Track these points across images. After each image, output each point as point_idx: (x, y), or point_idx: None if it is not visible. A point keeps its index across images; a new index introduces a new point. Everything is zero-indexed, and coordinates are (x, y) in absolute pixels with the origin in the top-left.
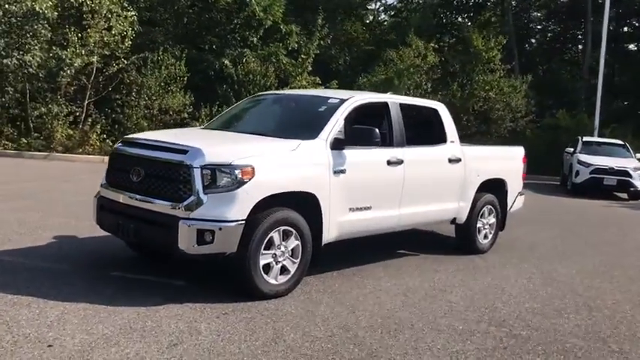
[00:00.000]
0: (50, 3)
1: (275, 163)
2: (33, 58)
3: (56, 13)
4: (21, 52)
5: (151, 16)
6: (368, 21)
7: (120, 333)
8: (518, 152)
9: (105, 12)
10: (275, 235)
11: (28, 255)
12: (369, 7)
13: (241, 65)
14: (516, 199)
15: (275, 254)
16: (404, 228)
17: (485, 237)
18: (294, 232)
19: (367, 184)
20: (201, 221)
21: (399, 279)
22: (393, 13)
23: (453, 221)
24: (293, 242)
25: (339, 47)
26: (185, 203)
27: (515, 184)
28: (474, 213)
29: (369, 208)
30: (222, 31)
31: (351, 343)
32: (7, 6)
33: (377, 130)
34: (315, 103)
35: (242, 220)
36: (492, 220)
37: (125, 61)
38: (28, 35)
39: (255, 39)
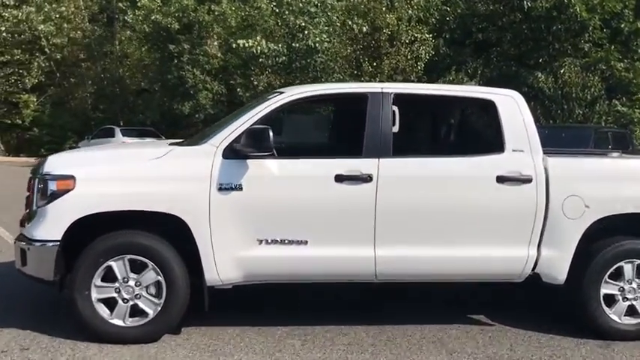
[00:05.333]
0: (324, 37)
1: (114, 175)
2: None
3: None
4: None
5: (484, 36)
6: None
7: None
8: None
9: (404, 38)
10: (116, 265)
11: None
12: None
13: (552, 78)
14: None
15: (118, 289)
16: (399, 279)
17: (633, 313)
18: (150, 264)
19: (293, 207)
20: (24, 239)
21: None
22: None
23: (534, 280)
24: (151, 277)
25: None
26: (22, 218)
27: None
28: (592, 270)
29: (302, 242)
30: (543, 41)
31: None
32: (292, 44)
33: (269, 132)
34: (259, 102)
35: (54, 240)
36: None
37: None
38: (318, 69)
39: (586, 46)
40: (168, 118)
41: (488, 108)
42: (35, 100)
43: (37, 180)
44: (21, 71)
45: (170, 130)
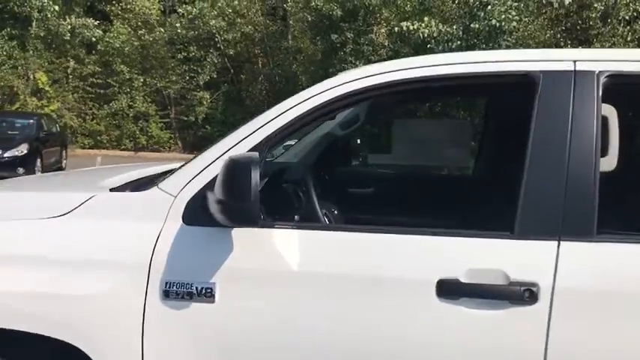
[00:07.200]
0: (511, 15)
1: None
2: None
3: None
4: None
5: None
6: None
7: None
8: None
9: (622, 14)
10: None
11: None
12: None
13: None
14: None
15: None
16: None
17: None
18: None
19: (332, 348)
20: None
21: None
22: None
23: None
24: None
25: None
26: None
27: None
28: None
29: None
30: None
31: None
32: (471, 25)
33: (251, 168)
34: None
35: None
36: None
37: None
38: None
39: None
40: None
41: None
42: (208, 97)
43: None
44: (195, 68)
45: None
